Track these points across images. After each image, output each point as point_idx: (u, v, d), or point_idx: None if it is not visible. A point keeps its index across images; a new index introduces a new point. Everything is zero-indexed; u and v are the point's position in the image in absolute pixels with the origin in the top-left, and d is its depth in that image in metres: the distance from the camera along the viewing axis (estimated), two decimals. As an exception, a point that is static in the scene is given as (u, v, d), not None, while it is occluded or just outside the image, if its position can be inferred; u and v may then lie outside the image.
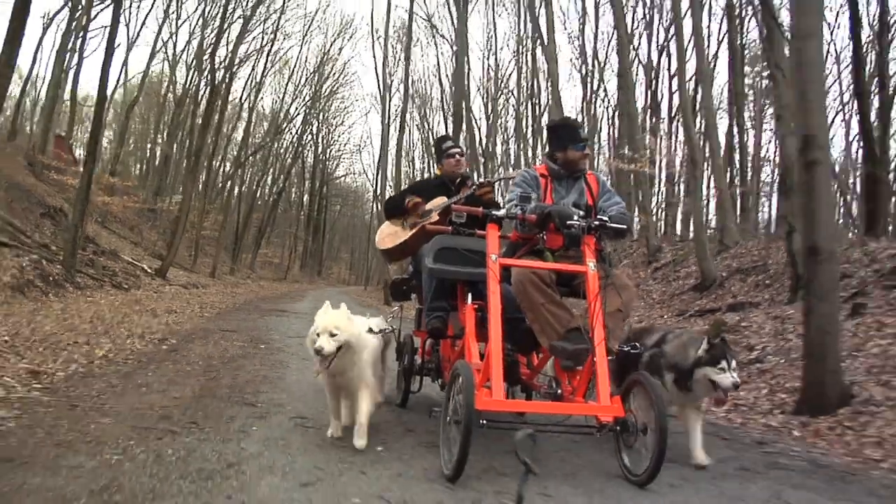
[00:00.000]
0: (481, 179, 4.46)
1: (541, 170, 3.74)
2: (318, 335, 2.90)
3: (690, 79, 14.70)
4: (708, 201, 15.09)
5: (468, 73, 26.75)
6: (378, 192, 28.28)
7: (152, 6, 28.67)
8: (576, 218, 3.19)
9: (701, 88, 11.63)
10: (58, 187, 21.33)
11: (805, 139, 5.40)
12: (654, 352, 3.39)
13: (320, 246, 46.35)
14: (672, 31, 15.06)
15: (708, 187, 16.27)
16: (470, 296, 3.57)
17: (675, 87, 19.89)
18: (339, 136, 43.38)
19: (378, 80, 24.88)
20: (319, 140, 40.66)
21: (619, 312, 3.22)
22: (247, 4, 25.41)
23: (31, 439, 2.69)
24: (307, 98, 34.44)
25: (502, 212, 3.30)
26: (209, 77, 23.81)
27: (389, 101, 28.80)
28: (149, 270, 17.83)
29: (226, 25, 24.49)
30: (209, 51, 24.48)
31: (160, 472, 2.37)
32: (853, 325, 7.01)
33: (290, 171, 38.69)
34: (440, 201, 4.32)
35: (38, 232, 14.58)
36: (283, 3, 26.62)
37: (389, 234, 4.41)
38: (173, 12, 28.26)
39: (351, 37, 50.68)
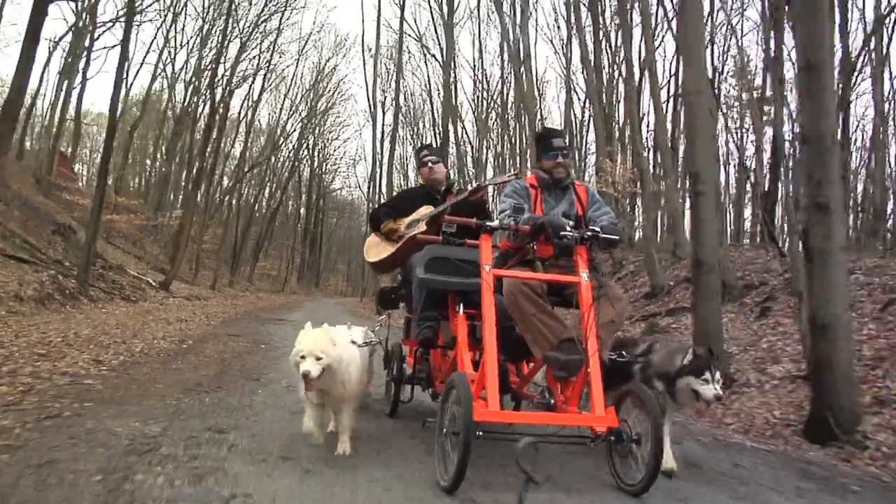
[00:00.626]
0: (475, 183, 4.57)
1: (531, 180, 3.90)
2: (302, 358, 3.01)
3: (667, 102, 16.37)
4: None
5: (459, 88, 28.51)
6: (371, 208, 29.87)
7: (154, 36, 30.30)
8: (568, 228, 3.31)
9: (654, 115, 13.25)
10: (64, 205, 22.95)
11: (694, 175, 7.01)
12: (643, 362, 3.51)
13: (317, 258, 48.15)
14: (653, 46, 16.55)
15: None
16: (462, 305, 3.64)
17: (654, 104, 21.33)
18: (334, 151, 45.15)
19: (368, 101, 26.49)
20: (315, 154, 42.52)
21: (612, 323, 3.36)
22: (244, 27, 27.23)
23: (116, 394, 4.29)
24: (303, 114, 36.26)
25: (496, 222, 3.41)
26: (208, 94, 25.54)
27: (384, 118, 30.54)
28: (153, 284, 19.30)
29: (227, 42, 26.17)
30: (208, 73, 26.20)
31: (204, 408, 3.99)
32: (758, 326, 8.60)
33: (286, 186, 40.53)
34: (426, 211, 4.40)
35: (51, 248, 16.12)
36: (280, 24, 28.32)
37: (377, 246, 4.52)
38: (172, 37, 29.92)
39: (345, 55, 52.33)
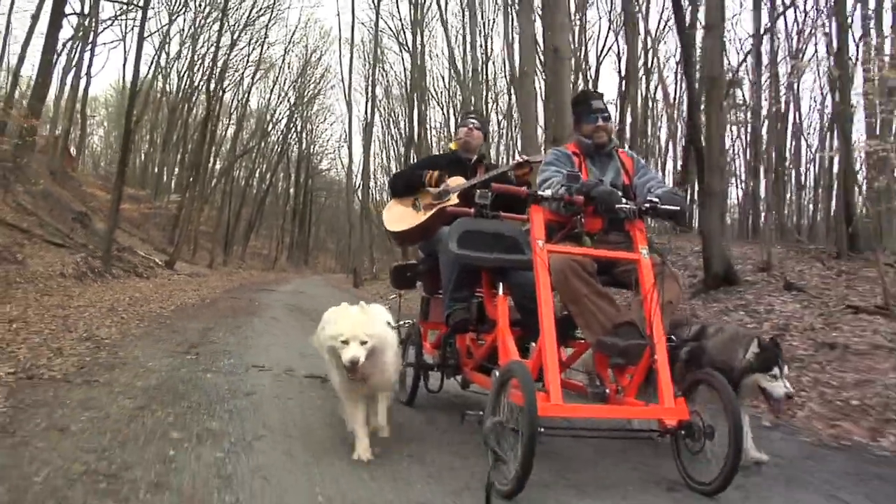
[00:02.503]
0: (517, 160, 4.39)
1: (572, 148, 3.83)
2: (344, 342, 2.92)
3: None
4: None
5: (437, 76, 32.97)
6: (357, 188, 34.55)
7: (160, 45, 34.70)
8: (624, 201, 3.25)
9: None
10: (75, 194, 27.62)
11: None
12: (694, 347, 3.38)
13: (306, 237, 53.05)
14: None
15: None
16: (501, 285, 3.57)
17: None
18: (321, 133, 49.84)
19: (345, 93, 30.73)
20: (303, 137, 47.22)
21: (670, 304, 3.25)
22: (234, 24, 31.85)
23: (183, 317, 9.14)
24: (292, 101, 40.97)
25: (549, 192, 3.23)
26: (203, 88, 30.14)
27: (366, 105, 35.00)
28: (160, 263, 24.01)
29: (220, 38, 30.79)
30: (203, 67, 30.87)
31: (228, 322, 8.89)
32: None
33: (276, 169, 45.36)
34: (458, 181, 4.38)
35: (74, 234, 20.81)
36: (268, 22, 32.87)
37: (402, 215, 4.46)
38: (167, 31, 34.44)
39: (328, 49, 56.71)
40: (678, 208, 3.29)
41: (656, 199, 3.27)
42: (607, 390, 3.18)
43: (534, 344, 3.40)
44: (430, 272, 4.31)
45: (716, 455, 2.86)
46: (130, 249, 23.39)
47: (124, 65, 36.95)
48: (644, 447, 3.44)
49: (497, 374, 3.10)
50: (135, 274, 19.04)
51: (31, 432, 3.15)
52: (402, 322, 4.00)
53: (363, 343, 2.91)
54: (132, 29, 32.56)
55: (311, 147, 49.20)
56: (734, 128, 22.02)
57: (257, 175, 44.92)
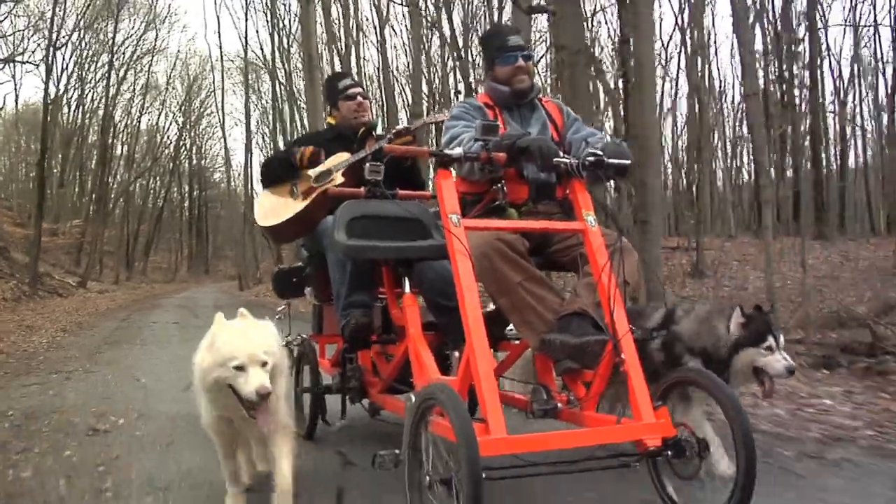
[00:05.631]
0: (398, 126, 3.95)
1: (483, 98, 3.33)
2: (238, 368, 2.32)
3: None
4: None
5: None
6: (241, 199, 42.32)
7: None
8: (561, 154, 2.76)
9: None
10: (-10, 228, 34.54)
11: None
12: (664, 335, 3.01)
13: (205, 247, 60.11)
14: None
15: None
16: (406, 280, 3.08)
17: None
18: (211, 148, 57.00)
19: (219, 119, 38.20)
20: (193, 153, 54.54)
21: (627, 286, 2.71)
22: (120, 59, 39.43)
23: (116, 310, 17.50)
24: (180, 122, 48.62)
25: (459, 150, 2.66)
26: (97, 125, 37.40)
27: (248, 123, 42.54)
28: (74, 284, 31.35)
29: (109, 75, 38.26)
30: (97, 110, 38.32)
31: (141, 313, 17.29)
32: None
33: (169, 185, 52.69)
34: (341, 158, 3.92)
35: (-1, 265, 28.12)
36: (151, 60, 40.39)
37: (275, 206, 3.94)
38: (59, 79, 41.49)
39: (210, 72, 63.23)
40: (627, 162, 2.76)
41: (600, 153, 2.68)
42: (558, 404, 2.63)
43: (456, 354, 2.88)
44: (319, 275, 3.77)
45: (721, 477, 2.50)
46: (48, 275, 30.59)
47: (16, 99, 43.41)
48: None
49: (413, 399, 2.54)
50: (57, 294, 25.96)
51: (96, 327, 11.89)
52: (291, 338, 3.57)
53: (264, 365, 2.35)
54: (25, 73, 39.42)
55: (203, 161, 56.44)
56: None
57: (152, 193, 52.14)
